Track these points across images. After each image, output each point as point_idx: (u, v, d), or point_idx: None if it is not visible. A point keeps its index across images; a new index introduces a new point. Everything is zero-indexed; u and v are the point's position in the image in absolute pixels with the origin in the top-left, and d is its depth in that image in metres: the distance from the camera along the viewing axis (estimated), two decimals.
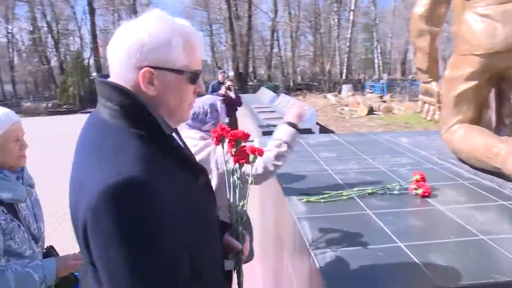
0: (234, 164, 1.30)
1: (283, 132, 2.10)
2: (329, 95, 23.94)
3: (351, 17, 34.31)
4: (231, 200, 1.30)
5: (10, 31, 34.16)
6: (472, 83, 2.54)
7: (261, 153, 1.33)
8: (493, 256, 1.50)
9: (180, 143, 1.13)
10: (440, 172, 2.59)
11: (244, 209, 1.30)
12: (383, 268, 1.44)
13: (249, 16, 34.91)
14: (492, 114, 2.77)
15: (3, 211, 1.66)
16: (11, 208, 1.71)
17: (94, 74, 32.08)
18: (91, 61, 33.77)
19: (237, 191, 1.31)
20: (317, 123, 12.26)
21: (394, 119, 15.10)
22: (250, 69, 38.37)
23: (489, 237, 1.65)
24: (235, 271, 1.30)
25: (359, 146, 3.36)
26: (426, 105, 3.12)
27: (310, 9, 37.47)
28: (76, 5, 38.77)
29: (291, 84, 33.96)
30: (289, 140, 2.06)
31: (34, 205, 1.88)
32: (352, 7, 34.13)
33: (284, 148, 2.04)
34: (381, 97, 20.46)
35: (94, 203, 0.85)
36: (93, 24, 32.72)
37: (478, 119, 2.66)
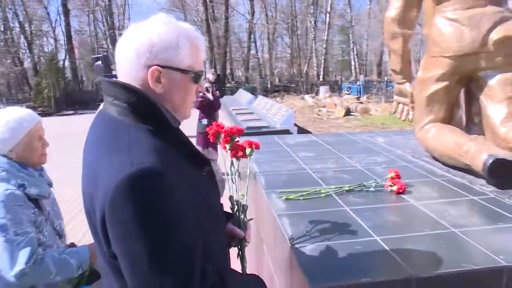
0: (231, 158, 1.39)
1: None
2: (306, 97, 24.16)
3: (327, 19, 34.72)
4: (231, 192, 1.38)
5: None
6: (443, 84, 2.65)
7: (258, 146, 1.43)
8: (463, 247, 1.58)
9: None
10: (414, 170, 2.69)
11: (244, 199, 1.39)
12: (361, 260, 1.50)
13: (226, 18, 34.91)
14: (462, 114, 2.88)
15: (31, 205, 1.75)
16: (36, 204, 1.81)
17: (69, 75, 31.58)
18: (66, 63, 33.21)
19: (236, 183, 1.39)
20: (295, 124, 12.37)
21: (371, 120, 15.36)
22: (228, 71, 38.34)
23: (460, 229, 1.73)
24: (239, 257, 1.39)
25: (336, 146, 3.44)
26: (400, 105, 3.22)
27: (286, 11, 37.74)
28: (49, 6, 37.83)
29: (269, 86, 34.06)
30: None
31: (53, 203, 1.98)
32: (328, 9, 34.55)
33: None
34: (358, 98, 20.78)
35: (111, 194, 0.91)
36: (67, 25, 32.03)
37: (449, 119, 2.77)
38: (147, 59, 1.04)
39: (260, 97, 17.74)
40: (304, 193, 2.20)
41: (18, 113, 1.85)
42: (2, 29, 31.98)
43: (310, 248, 1.60)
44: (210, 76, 9.06)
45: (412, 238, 1.67)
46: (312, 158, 3.05)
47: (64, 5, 31.42)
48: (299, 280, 1.48)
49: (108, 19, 32.70)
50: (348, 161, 2.94)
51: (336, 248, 1.60)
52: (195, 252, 0.98)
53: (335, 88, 29.47)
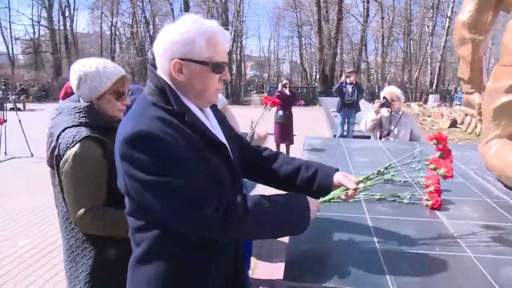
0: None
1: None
2: (413, 104, 22.96)
3: (447, 24, 32.42)
4: None
5: (114, 24, 37.22)
6: None
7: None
8: (469, 272, 1.44)
9: (204, 120, 1.39)
10: (469, 188, 2.47)
11: None
12: (347, 266, 1.44)
13: (339, 20, 34.47)
14: None
15: None
16: None
17: None
18: None
19: None
20: None
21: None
22: (338, 73, 37.79)
23: (476, 255, 1.57)
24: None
25: (398, 154, 3.27)
26: (468, 117, 2.96)
27: (403, 14, 36.07)
28: (174, 3, 40.67)
29: (376, 91, 32.91)
30: None
31: None
32: (449, 14, 32.23)
33: None
34: None
35: (119, 147, 1.23)
36: None
37: None
38: (170, 54, 1.29)
39: (362, 101, 17.27)
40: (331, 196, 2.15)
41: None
42: (131, 23, 35.25)
43: (305, 247, 1.59)
44: (343, 76, 10.04)
45: (414, 254, 1.55)
46: (363, 164, 2.95)
47: (186, 2, 33.62)
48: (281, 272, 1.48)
49: (223, 15, 34.22)
50: (400, 170, 2.78)
51: (329, 251, 1.58)
52: (200, 173, 1.22)
53: (447, 98, 27.53)
